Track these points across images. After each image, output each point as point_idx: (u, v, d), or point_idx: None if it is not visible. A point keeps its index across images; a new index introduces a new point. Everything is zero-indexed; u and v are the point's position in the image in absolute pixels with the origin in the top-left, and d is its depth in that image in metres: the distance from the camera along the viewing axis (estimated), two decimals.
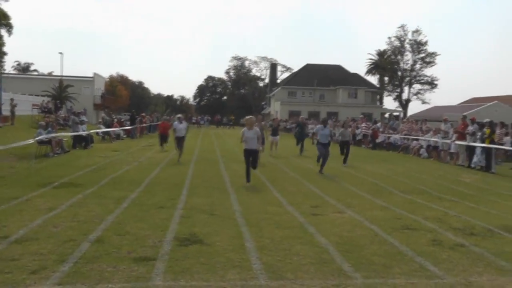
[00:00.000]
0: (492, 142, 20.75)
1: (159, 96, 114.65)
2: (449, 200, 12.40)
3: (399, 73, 79.75)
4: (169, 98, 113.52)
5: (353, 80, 79.17)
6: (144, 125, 39.61)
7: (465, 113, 29.66)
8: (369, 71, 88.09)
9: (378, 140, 33.60)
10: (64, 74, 56.88)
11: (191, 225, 8.36)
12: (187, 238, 7.41)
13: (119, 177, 14.43)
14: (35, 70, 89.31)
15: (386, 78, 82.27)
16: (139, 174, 15.06)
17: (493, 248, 7.67)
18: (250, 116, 14.61)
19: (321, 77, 77.21)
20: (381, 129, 35.01)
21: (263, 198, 11.54)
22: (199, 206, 10.15)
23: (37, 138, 19.12)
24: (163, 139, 25.84)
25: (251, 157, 13.98)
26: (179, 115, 22.02)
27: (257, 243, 7.31)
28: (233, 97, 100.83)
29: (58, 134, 22.47)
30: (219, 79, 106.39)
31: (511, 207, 11.76)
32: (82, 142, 25.08)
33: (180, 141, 20.20)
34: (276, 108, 78.22)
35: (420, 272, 6.29)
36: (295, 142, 29.80)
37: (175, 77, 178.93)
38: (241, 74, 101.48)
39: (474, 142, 21.54)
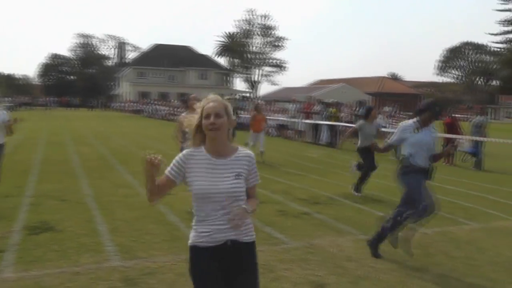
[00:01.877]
0: (337, 120, 22.25)
1: None
2: (295, 174, 13.21)
3: (249, 56, 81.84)
4: (10, 77, 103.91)
5: (203, 61, 79.97)
6: None
7: (311, 94, 31.37)
8: (218, 53, 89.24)
9: None
10: None
11: (41, 212, 8.11)
12: (38, 226, 7.19)
13: None
14: None
15: (236, 60, 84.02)
16: None
17: (334, 214, 8.48)
18: (216, 96, 3.21)
19: (171, 58, 76.90)
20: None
21: (114, 181, 11.41)
22: (48, 192, 9.80)
23: None
24: None
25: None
26: None
27: (110, 226, 7.32)
28: (81, 77, 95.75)
29: None
30: (65, 58, 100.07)
31: (351, 178, 12.79)
32: None
33: None
34: (125, 89, 76.57)
35: (268, 240, 6.74)
36: None
37: (14, 54, 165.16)
38: (89, 52, 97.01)
39: (320, 120, 22.98)
